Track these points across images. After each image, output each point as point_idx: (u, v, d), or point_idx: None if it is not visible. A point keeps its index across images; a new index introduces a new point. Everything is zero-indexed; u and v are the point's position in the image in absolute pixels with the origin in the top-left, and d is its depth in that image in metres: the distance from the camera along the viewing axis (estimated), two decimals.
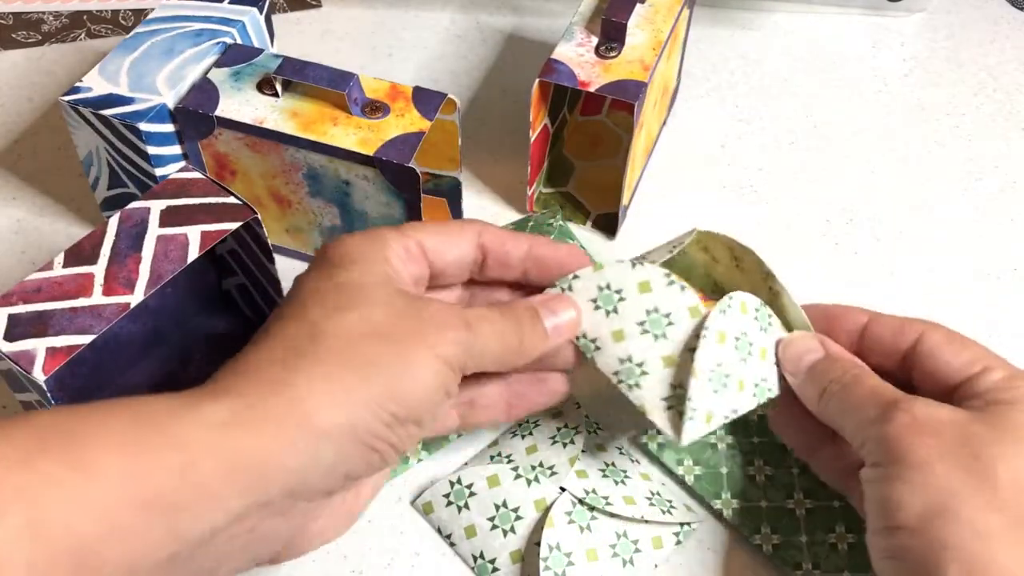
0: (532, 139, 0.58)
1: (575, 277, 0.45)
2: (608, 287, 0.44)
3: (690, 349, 0.43)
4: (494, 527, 0.47)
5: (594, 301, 0.44)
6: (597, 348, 0.44)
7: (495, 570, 0.46)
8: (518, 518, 0.47)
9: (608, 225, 0.61)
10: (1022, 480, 0.36)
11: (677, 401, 0.43)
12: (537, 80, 0.55)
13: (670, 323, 0.44)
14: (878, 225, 0.62)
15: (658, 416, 0.43)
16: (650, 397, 0.43)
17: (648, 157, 0.66)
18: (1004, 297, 0.59)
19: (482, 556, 0.46)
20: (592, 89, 0.54)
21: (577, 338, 0.44)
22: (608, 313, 0.44)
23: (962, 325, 0.57)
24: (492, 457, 0.49)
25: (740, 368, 0.44)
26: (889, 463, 0.38)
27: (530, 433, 0.50)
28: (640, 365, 0.43)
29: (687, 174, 0.65)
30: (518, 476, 0.48)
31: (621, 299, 0.44)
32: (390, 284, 0.39)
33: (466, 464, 0.50)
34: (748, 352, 0.44)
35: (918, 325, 0.44)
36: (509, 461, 0.49)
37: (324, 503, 0.38)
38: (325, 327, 0.37)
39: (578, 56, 0.56)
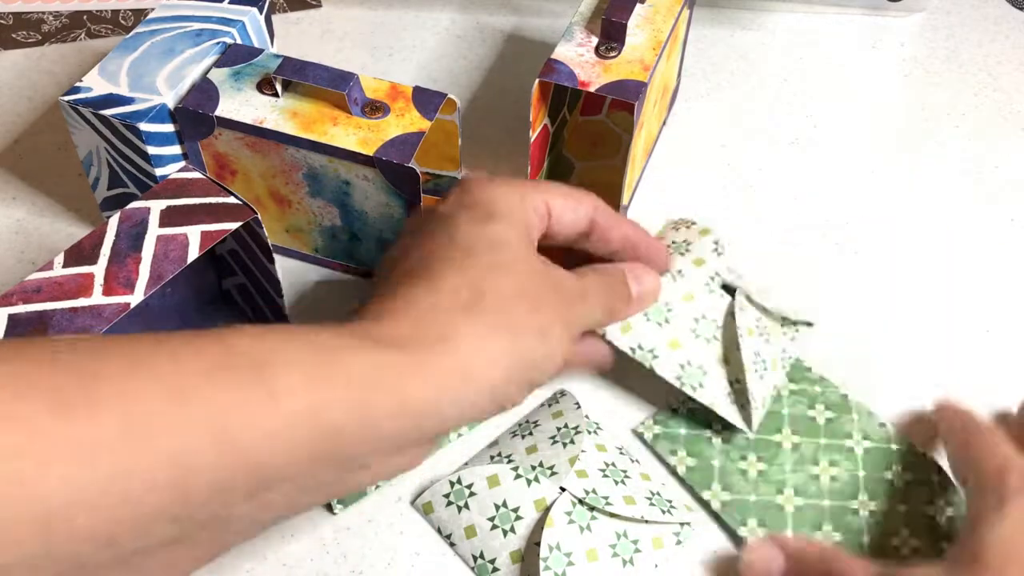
0: (532, 139, 0.58)
1: None
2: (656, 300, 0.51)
3: (736, 347, 0.50)
4: (494, 527, 0.47)
5: (646, 315, 0.50)
6: (655, 357, 0.49)
7: (495, 570, 0.46)
8: (518, 518, 0.47)
9: None
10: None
11: (739, 395, 0.50)
12: (537, 80, 0.55)
13: (718, 326, 0.51)
14: (878, 225, 0.62)
15: (730, 412, 0.49)
16: (717, 395, 0.49)
17: (648, 157, 0.66)
18: (1004, 297, 0.59)
19: (482, 556, 0.46)
20: (592, 89, 0.54)
21: (632, 350, 0.49)
22: (661, 325, 0.50)
23: (962, 325, 0.57)
24: (492, 457, 0.49)
25: (768, 349, 0.51)
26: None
27: (530, 433, 0.50)
28: (700, 368, 0.49)
29: (687, 174, 0.65)
30: (518, 476, 0.48)
31: (670, 310, 0.50)
32: (530, 245, 0.42)
33: (466, 464, 0.50)
34: (768, 334, 0.52)
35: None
36: (509, 461, 0.49)
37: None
38: (483, 286, 0.39)
39: (578, 56, 0.56)
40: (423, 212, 0.46)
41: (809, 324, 0.55)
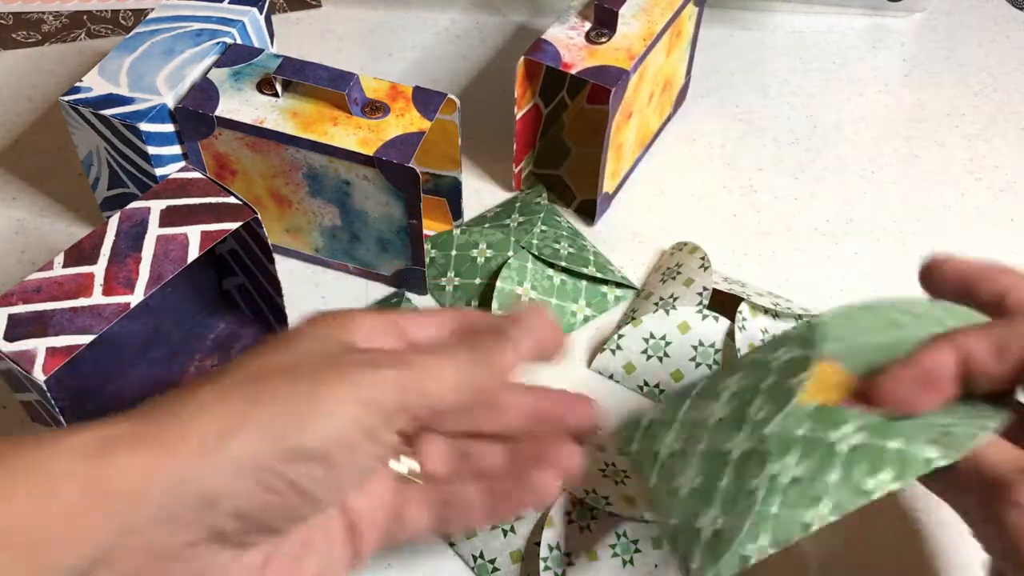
0: (518, 117, 0.58)
1: (621, 336, 0.53)
2: (652, 336, 0.52)
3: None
4: (494, 527, 0.47)
5: (645, 352, 0.50)
6: (661, 391, 0.50)
7: (495, 570, 0.46)
8: (518, 518, 0.47)
9: (590, 211, 0.62)
10: None
11: None
12: (522, 58, 0.55)
13: (717, 350, 0.52)
14: (878, 225, 0.62)
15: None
16: None
17: (644, 151, 0.66)
18: None
19: (482, 556, 0.46)
20: (573, 71, 0.55)
21: (640, 388, 0.49)
22: (661, 360, 0.50)
23: None
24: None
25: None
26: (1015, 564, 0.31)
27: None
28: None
29: (686, 173, 0.65)
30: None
31: (668, 343, 0.51)
32: (332, 338, 0.36)
33: None
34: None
35: (1014, 339, 0.35)
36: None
37: (234, 557, 0.34)
38: (235, 365, 0.34)
39: (567, 39, 0.56)
40: None
41: None
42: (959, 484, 0.34)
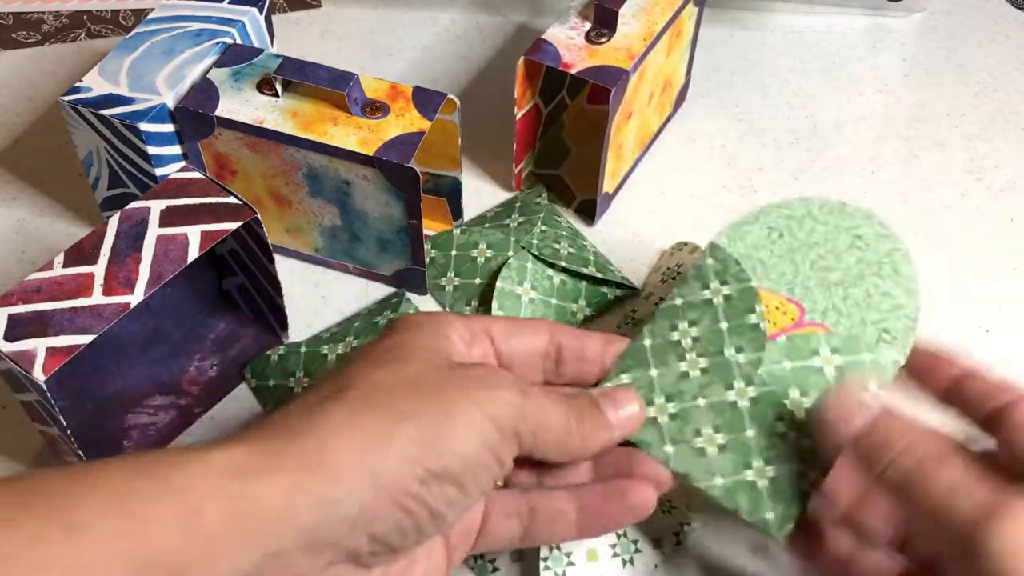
0: (518, 116, 0.58)
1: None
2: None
3: None
4: None
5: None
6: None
7: (495, 570, 0.46)
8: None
9: (590, 211, 0.62)
10: None
11: None
12: (522, 58, 0.55)
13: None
14: None
15: None
16: None
17: (644, 151, 0.66)
18: (1004, 297, 0.59)
19: (482, 556, 0.46)
20: (573, 71, 0.55)
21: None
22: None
23: (962, 326, 0.57)
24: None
25: None
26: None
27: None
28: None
29: (686, 173, 0.65)
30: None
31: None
32: (440, 351, 0.36)
33: None
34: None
35: (1016, 391, 0.37)
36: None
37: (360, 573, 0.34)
38: (356, 379, 0.34)
39: (567, 39, 0.56)
40: None
41: None
42: (931, 491, 0.34)
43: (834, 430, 0.37)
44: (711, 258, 0.43)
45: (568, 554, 0.45)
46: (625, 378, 0.41)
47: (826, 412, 0.38)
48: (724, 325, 0.42)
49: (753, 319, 0.41)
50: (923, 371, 0.40)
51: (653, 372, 0.41)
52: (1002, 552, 0.30)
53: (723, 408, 0.40)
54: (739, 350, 0.41)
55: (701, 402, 0.41)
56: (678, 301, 0.42)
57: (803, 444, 0.39)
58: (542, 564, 0.44)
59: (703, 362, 0.41)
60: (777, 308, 0.42)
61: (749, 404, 0.40)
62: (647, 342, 0.42)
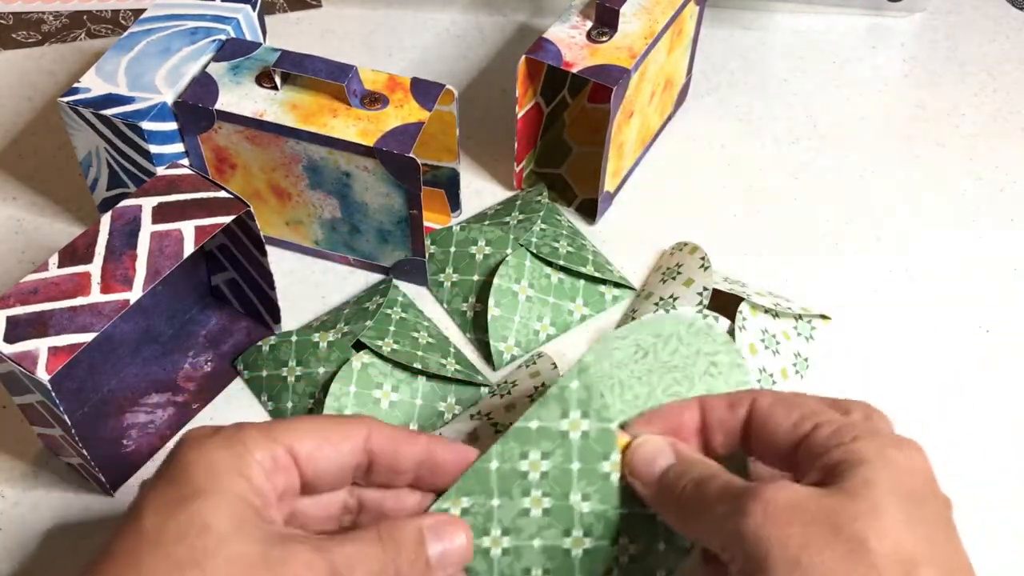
0: (519, 116, 0.58)
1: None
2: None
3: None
4: None
5: None
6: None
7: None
8: None
9: (591, 210, 0.62)
10: (897, 547, 0.32)
11: None
12: (524, 57, 0.55)
13: None
14: (878, 225, 0.62)
15: None
16: None
17: (645, 150, 0.66)
18: (1004, 297, 0.59)
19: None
20: (575, 70, 0.55)
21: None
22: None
23: (962, 326, 0.57)
24: (472, 416, 0.50)
25: (776, 361, 0.52)
26: (755, 568, 0.32)
27: (508, 392, 0.51)
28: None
29: (686, 173, 0.65)
30: (497, 431, 0.48)
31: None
32: (243, 523, 0.34)
33: (446, 423, 0.51)
34: (777, 344, 0.52)
35: (746, 395, 0.38)
36: (489, 418, 0.49)
37: None
38: (147, 559, 0.32)
39: (569, 38, 0.56)
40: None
41: (825, 318, 0.55)
42: (703, 506, 0.36)
43: (641, 473, 0.39)
44: (577, 380, 0.40)
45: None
46: (465, 501, 0.39)
47: (632, 455, 0.39)
48: (576, 466, 0.39)
49: (606, 467, 0.39)
50: (672, 431, 0.39)
51: (495, 502, 0.39)
52: (755, 531, 0.32)
53: (557, 553, 0.39)
54: (585, 498, 0.39)
55: (536, 543, 0.39)
56: (533, 424, 0.40)
57: None
58: None
59: (547, 502, 0.39)
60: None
61: (582, 554, 0.39)
62: (494, 465, 0.39)
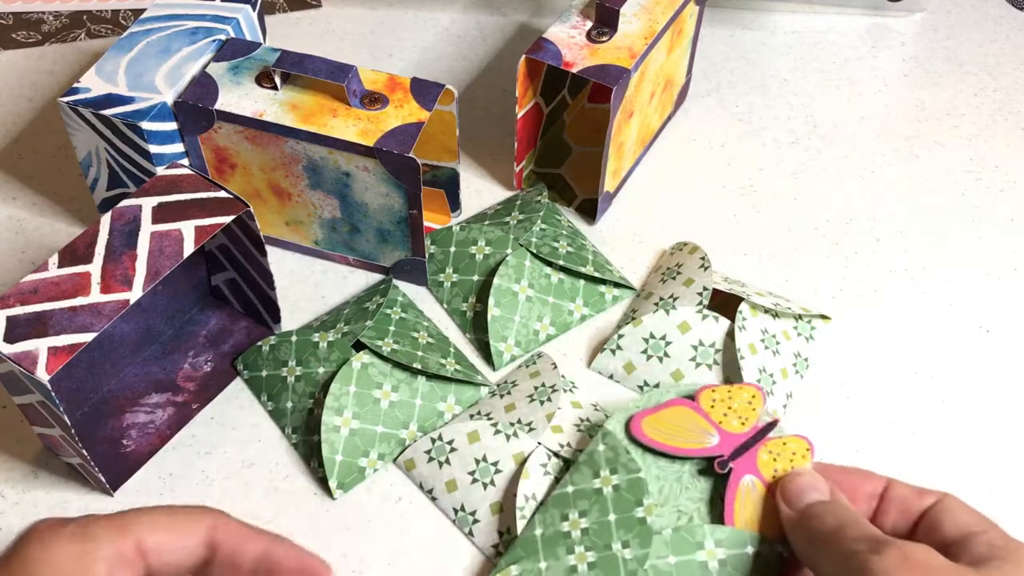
0: (519, 116, 0.58)
1: (620, 336, 0.53)
2: (652, 336, 0.52)
3: (737, 368, 0.50)
4: (474, 481, 0.48)
5: (645, 352, 0.51)
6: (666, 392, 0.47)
7: (475, 521, 0.47)
8: (497, 472, 0.47)
9: (591, 210, 0.62)
10: None
11: None
12: (524, 56, 0.55)
13: (717, 350, 0.51)
14: (878, 225, 0.62)
15: None
16: None
17: (645, 150, 0.66)
18: (1004, 297, 0.59)
19: (463, 508, 0.48)
20: (575, 70, 0.55)
21: (640, 388, 0.50)
22: (662, 359, 0.51)
23: (962, 326, 0.57)
24: (472, 415, 0.50)
25: (776, 361, 0.52)
26: None
27: (508, 392, 0.51)
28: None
29: (686, 172, 0.65)
30: (497, 432, 0.48)
31: (669, 343, 0.52)
32: None
33: (447, 422, 0.51)
34: (777, 344, 0.52)
35: (937, 493, 0.41)
36: (489, 418, 0.50)
37: None
38: None
39: (569, 38, 0.56)
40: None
41: (825, 318, 0.55)
42: (841, 542, 0.39)
43: (791, 497, 0.42)
44: (602, 444, 0.45)
45: (543, 503, 0.46)
46: (514, 569, 0.43)
47: (788, 482, 0.42)
48: (612, 517, 0.43)
49: (640, 513, 0.43)
50: (846, 490, 0.43)
51: (543, 564, 0.43)
52: (887, 570, 0.35)
53: None
54: (625, 545, 0.42)
55: None
56: (569, 489, 0.44)
57: None
58: (518, 512, 0.46)
59: (591, 556, 0.43)
60: (750, 403, 0.45)
61: None
62: (538, 532, 0.44)
